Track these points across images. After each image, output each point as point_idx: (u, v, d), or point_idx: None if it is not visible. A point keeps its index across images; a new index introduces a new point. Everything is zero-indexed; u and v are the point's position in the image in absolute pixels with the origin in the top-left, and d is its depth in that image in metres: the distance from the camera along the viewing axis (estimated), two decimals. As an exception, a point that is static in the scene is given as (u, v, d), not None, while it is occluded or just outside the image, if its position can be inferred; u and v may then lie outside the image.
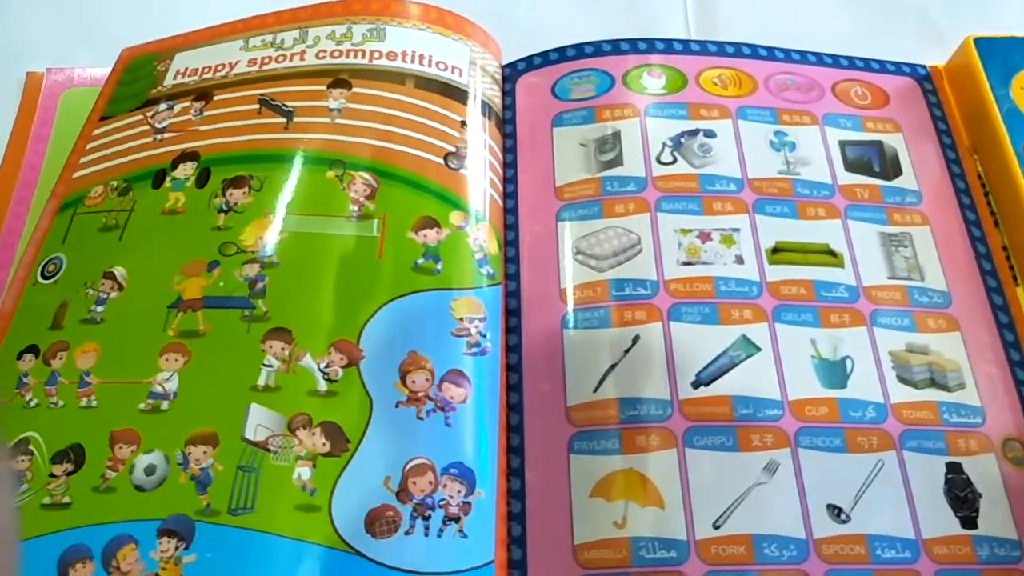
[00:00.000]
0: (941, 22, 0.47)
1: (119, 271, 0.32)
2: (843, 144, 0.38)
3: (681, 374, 0.32)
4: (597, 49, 0.40)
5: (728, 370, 0.32)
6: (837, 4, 0.48)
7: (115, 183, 0.35)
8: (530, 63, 0.40)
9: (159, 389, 0.30)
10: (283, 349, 0.30)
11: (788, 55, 0.41)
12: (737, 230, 0.35)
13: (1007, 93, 0.38)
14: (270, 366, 0.30)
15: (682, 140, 0.37)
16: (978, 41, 0.39)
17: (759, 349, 0.33)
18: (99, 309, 0.32)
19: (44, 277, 0.33)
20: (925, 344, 0.34)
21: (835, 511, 0.30)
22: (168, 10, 0.45)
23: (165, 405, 0.29)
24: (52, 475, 0.29)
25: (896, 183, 0.38)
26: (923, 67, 0.42)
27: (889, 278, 0.35)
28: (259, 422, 0.29)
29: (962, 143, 0.39)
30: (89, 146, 0.37)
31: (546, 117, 0.38)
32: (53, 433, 0.29)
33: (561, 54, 0.40)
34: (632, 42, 0.40)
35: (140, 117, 0.37)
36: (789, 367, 0.32)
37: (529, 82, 0.40)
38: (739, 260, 0.34)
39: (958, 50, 0.40)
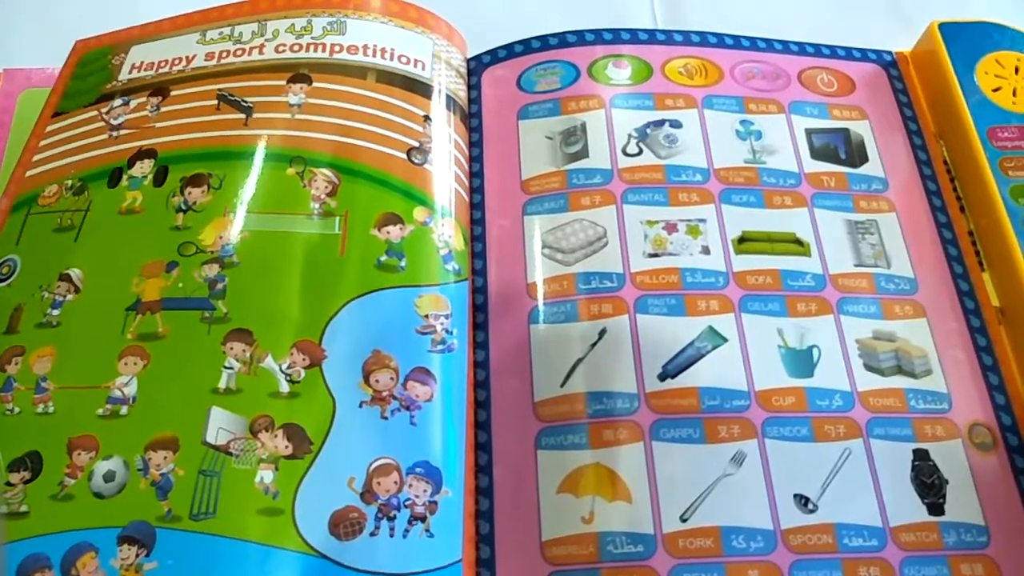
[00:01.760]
0: (909, 8, 0.47)
1: (75, 273, 0.32)
2: (809, 132, 0.38)
3: (648, 367, 0.32)
4: (562, 40, 0.39)
5: (695, 361, 0.32)
6: None
7: (70, 182, 0.34)
8: (495, 56, 0.40)
9: (118, 394, 0.29)
10: (244, 351, 0.30)
11: (754, 43, 0.40)
12: (703, 220, 0.35)
13: (972, 78, 0.38)
14: (231, 368, 0.29)
15: (648, 131, 0.37)
16: (943, 26, 0.39)
17: (726, 340, 0.32)
18: (55, 312, 0.31)
19: None
20: (892, 331, 0.34)
21: (802, 501, 0.30)
22: (127, 7, 0.44)
23: (124, 410, 0.29)
24: (9, 484, 0.28)
25: (862, 170, 0.38)
26: (889, 53, 0.42)
27: (856, 266, 0.35)
28: (220, 425, 0.28)
29: (928, 129, 0.39)
30: (42, 143, 0.36)
31: (512, 110, 0.38)
32: (9, 441, 0.29)
33: (526, 46, 0.40)
34: (597, 32, 0.39)
35: (95, 113, 0.36)
36: (756, 357, 0.32)
37: (495, 75, 0.39)
38: (705, 251, 0.34)
39: (923, 36, 0.40)
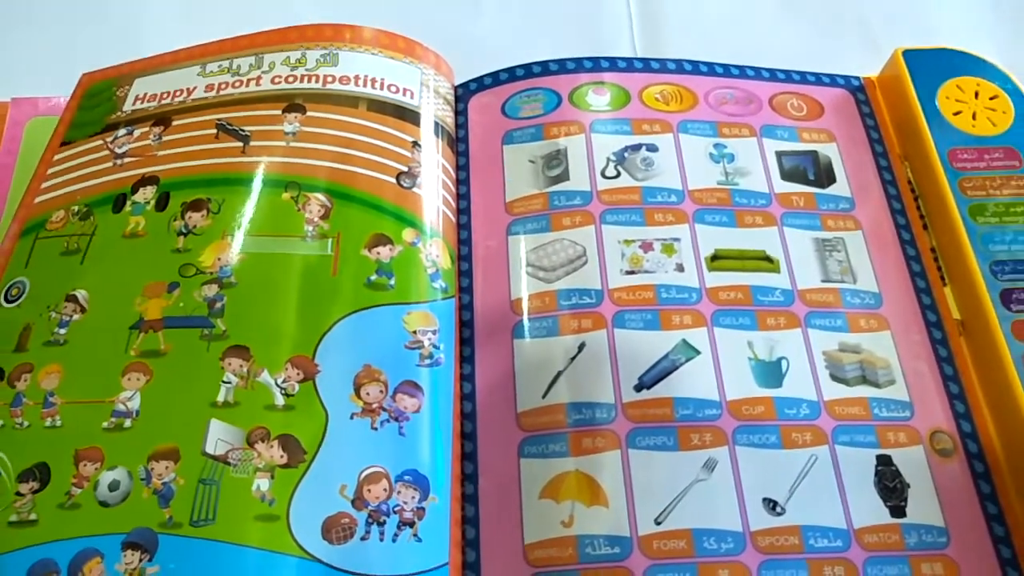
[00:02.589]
0: (880, 33, 0.49)
1: (81, 294, 0.34)
2: (780, 154, 0.40)
3: (625, 378, 0.33)
4: (544, 68, 0.41)
5: (669, 373, 0.34)
6: (780, 18, 0.50)
7: (76, 207, 0.36)
8: (481, 83, 0.42)
9: (122, 407, 0.31)
10: (241, 366, 0.31)
11: (727, 70, 0.42)
12: (678, 239, 0.37)
13: (933, 102, 0.40)
14: (229, 383, 0.31)
15: (625, 155, 0.39)
16: (906, 53, 0.41)
17: (699, 352, 0.34)
18: (62, 331, 0.33)
19: (8, 301, 0.34)
20: (857, 343, 0.35)
21: (770, 504, 0.31)
22: (131, 40, 0.46)
23: (128, 423, 0.31)
24: (18, 493, 0.30)
25: (830, 190, 0.39)
26: (857, 79, 0.44)
27: (823, 281, 0.37)
28: (219, 437, 0.30)
29: (893, 151, 0.41)
30: (50, 171, 0.38)
31: (497, 135, 0.40)
32: (19, 453, 0.30)
33: (511, 74, 0.42)
34: (578, 61, 0.41)
35: (100, 142, 0.38)
36: (727, 369, 0.34)
37: (481, 102, 0.41)
38: (679, 268, 0.36)
39: (889, 62, 0.42)
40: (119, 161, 0.37)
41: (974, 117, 0.39)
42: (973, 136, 0.39)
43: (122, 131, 0.38)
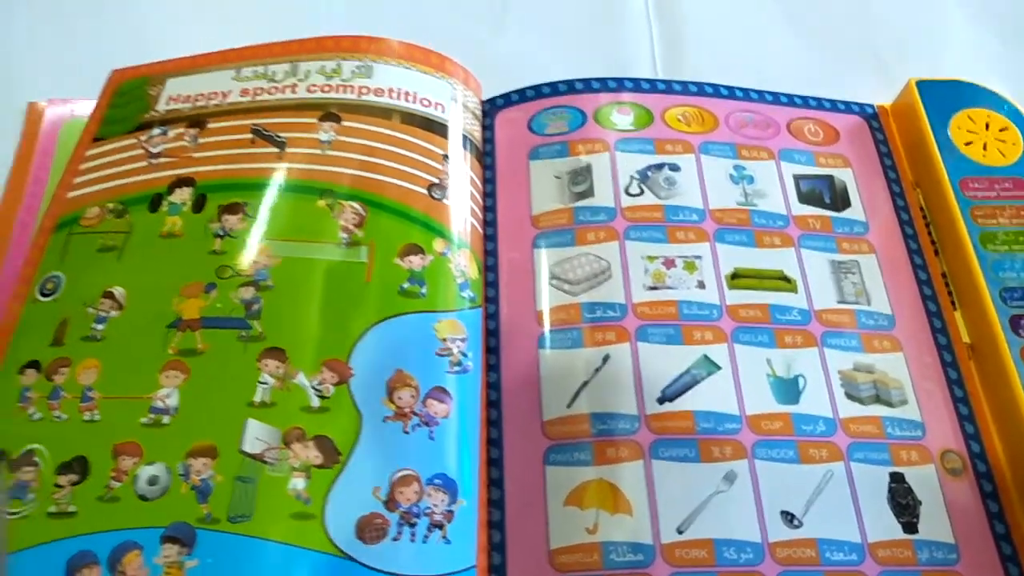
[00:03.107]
0: (891, 63, 0.50)
1: (118, 291, 0.34)
2: (797, 178, 0.41)
3: (648, 391, 0.34)
4: (570, 87, 0.42)
5: (691, 387, 0.35)
6: (796, 45, 0.51)
7: (111, 205, 0.37)
8: (508, 99, 0.43)
9: (160, 404, 0.31)
10: (278, 368, 0.32)
11: (747, 94, 0.44)
12: (699, 257, 0.38)
13: (946, 132, 0.41)
14: (266, 383, 0.32)
15: (649, 173, 0.40)
16: (920, 84, 0.43)
17: (719, 368, 0.35)
18: (99, 327, 0.33)
19: (43, 295, 0.35)
20: (871, 363, 0.36)
21: (788, 517, 0.32)
22: (163, 41, 0.46)
23: (166, 419, 0.31)
24: (57, 485, 0.30)
25: (845, 214, 0.41)
26: (871, 106, 0.45)
27: (838, 302, 0.38)
28: (256, 436, 0.31)
29: (906, 178, 0.42)
30: (83, 167, 0.38)
31: (523, 150, 0.41)
32: (57, 445, 0.31)
33: (537, 91, 0.43)
34: (603, 81, 0.43)
35: (134, 140, 0.39)
36: (747, 384, 0.35)
37: (507, 117, 0.42)
38: (701, 285, 0.37)
39: (902, 91, 0.44)
40: (154, 160, 0.38)
41: (985, 148, 0.41)
42: (984, 166, 0.40)
43: (156, 130, 0.39)
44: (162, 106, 0.40)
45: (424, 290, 0.35)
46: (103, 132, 0.40)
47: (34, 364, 0.33)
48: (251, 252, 0.35)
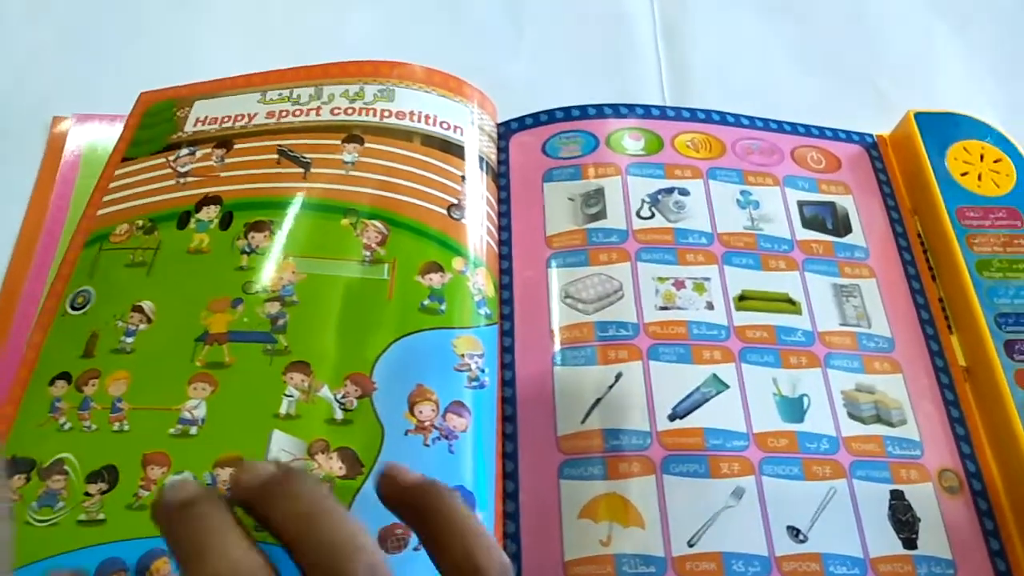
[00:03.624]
0: (888, 92, 0.52)
1: (147, 305, 0.35)
2: (801, 204, 0.43)
3: (659, 408, 0.35)
4: (583, 112, 0.44)
5: (700, 405, 0.36)
6: (796, 74, 0.53)
7: (140, 222, 0.38)
8: (522, 123, 0.44)
9: (188, 415, 0.32)
10: (303, 381, 0.33)
11: (752, 122, 0.45)
12: (708, 279, 0.39)
13: (942, 162, 0.43)
14: (291, 396, 0.33)
15: (659, 197, 0.41)
16: (918, 116, 0.44)
17: (727, 386, 0.36)
18: (129, 340, 0.34)
19: (73, 308, 0.36)
20: (872, 384, 0.38)
21: (794, 532, 0.34)
22: (188, 65, 0.48)
23: (194, 430, 0.32)
24: (87, 493, 0.31)
25: (847, 240, 0.42)
26: (871, 136, 0.47)
27: (840, 325, 0.39)
28: (281, 447, 0.32)
29: (904, 205, 0.44)
30: (112, 185, 0.40)
31: (537, 173, 0.42)
32: (87, 454, 0.32)
33: (551, 116, 0.44)
34: (614, 107, 0.44)
35: (162, 160, 0.40)
36: (754, 403, 0.36)
37: (521, 140, 0.44)
38: (709, 306, 0.39)
39: (901, 122, 0.45)
40: (182, 180, 0.39)
41: (980, 178, 0.42)
42: (979, 196, 0.42)
43: (184, 151, 0.40)
44: (190, 127, 0.41)
45: (443, 307, 0.36)
46: (132, 152, 0.41)
47: (65, 376, 0.34)
48: (277, 268, 0.36)
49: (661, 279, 0.39)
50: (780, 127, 0.46)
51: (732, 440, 0.35)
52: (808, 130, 0.46)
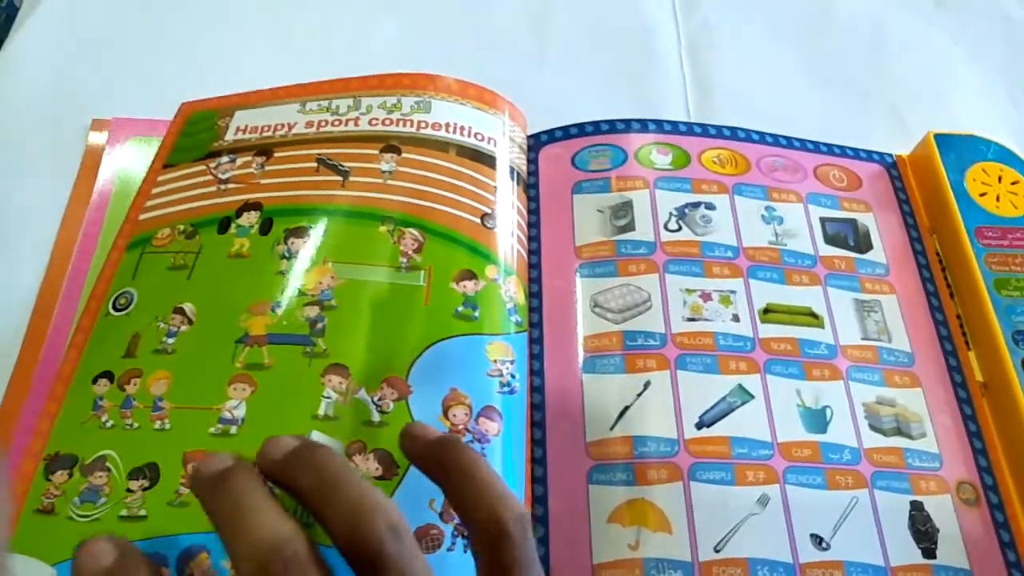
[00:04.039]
0: (904, 113, 0.53)
1: (188, 307, 0.36)
2: (823, 220, 0.44)
3: (686, 416, 0.36)
4: (612, 127, 0.45)
5: (726, 414, 0.37)
6: (816, 94, 0.54)
7: (182, 226, 0.39)
8: (552, 136, 0.45)
9: (228, 415, 0.33)
10: (340, 383, 0.34)
11: (777, 140, 0.46)
12: (734, 292, 0.40)
13: (962, 183, 0.44)
14: (329, 398, 0.34)
15: (686, 211, 0.42)
16: (938, 137, 0.45)
17: (753, 397, 0.37)
18: (170, 341, 0.35)
19: (116, 309, 0.37)
20: (892, 397, 0.39)
21: (817, 540, 0.34)
22: (225, 76, 0.49)
23: (234, 430, 0.33)
24: (129, 490, 0.32)
25: (868, 256, 0.43)
26: (891, 156, 0.48)
27: (862, 339, 0.40)
28: None
29: (923, 223, 0.45)
30: (155, 191, 0.41)
31: (567, 185, 0.43)
32: (129, 452, 0.33)
33: (580, 129, 0.45)
34: (642, 122, 0.45)
35: (203, 168, 0.41)
36: (778, 413, 0.37)
37: (551, 152, 0.45)
38: (735, 318, 0.39)
39: (920, 143, 0.46)
40: (223, 186, 0.40)
41: (998, 199, 0.43)
42: (997, 216, 0.43)
43: (225, 158, 0.41)
44: (230, 136, 0.42)
45: (476, 313, 0.37)
46: (173, 159, 0.42)
47: (107, 374, 0.35)
48: (316, 273, 0.37)
49: (689, 291, 0.40)
50: (803, 145, 0.47)
51: (757, 449, 0.36)
52: (831, 149, 0.47)
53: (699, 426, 0.36)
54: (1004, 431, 0.38)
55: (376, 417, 0.34)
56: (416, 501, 0.32)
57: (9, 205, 0.43)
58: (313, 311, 0.36)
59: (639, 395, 0.37)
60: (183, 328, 0.36)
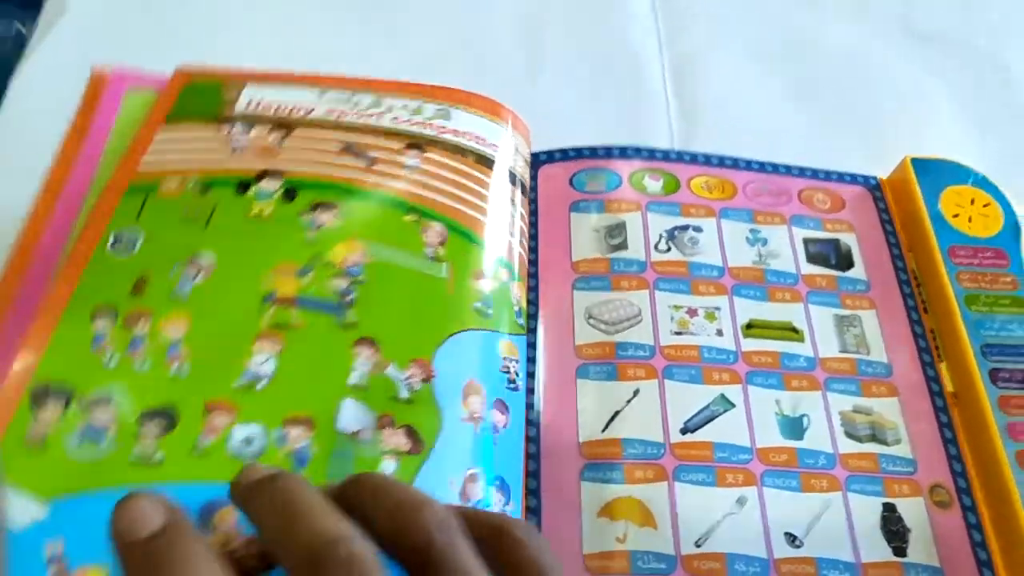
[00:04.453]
0: (882, 138, 0.55)
1: (207, 257, 0.37)
2: (806, 241, 0.47)
3: (672, 422, 0.39)
4: (608, 153, 0.48)
5: (709, 421, 0.40)
6: (797, 119, 0.56)
7: (193, 181, 0.39)
8: (551, 156, 0.48)
9: (255, 369, 0.34)
10: (370, 357, 0.36)
11: (763, 166, 0.49)
12: (718, 309, 0.43)
13: (936, 205, 0.47)
14: (359, 369, 0.35)
15: (676, 233, 0.46)
16: (914, 161, 0.48)
17: (734, 405, 0.40)
18: (186, 288, 0.36)
19: (115, 248, 0.37)
20: (869, 406, 0.41)
21: (791, 538, 0.37)
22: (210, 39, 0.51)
23: (261, 385, 0.34)
24: (140, 432, 0.32)
25: (849, 274, 0.46)
26: (874, 178, 0.50)
27: (840, 351, 0.43)
28: (352, 415, 0.33)
29: (904, 242, 0.48)
30: (156, 145, 0.41)
31: (564, 203, 0.46)
32: (140, 393, 0.33)
33: (578, 152, 0.48)
34: (637, 149, 0.48)
35: (213, 132, 0.42)
36: (757, 421, 0.40)
37: (549, 172, 0.48)
38: (719, 333, 0.42)
39: (898, 166, 0.49)
40: (237, 152, 0.41)
41: (970, 220, 0.46)
42: (969, 236, 0.46)
43: (239, 127, 0.42)
44: (241, 107, 0.43)
45: (491, 311, 0.39)
46: (175, 116, 0.42)
47: (109, 312, 0.35)
48: (344, 248, 0.38)
49: (676, 307, 0.43)
50: (788, 170, 0.50)
51: (737, 454, 0.39)
52: (815, 173, 0.50)
53: (683, 431, 0.39)
54: (972, 439, 0.41)
55: (405, 394, 0.35)
56: (439, 480, 0.33)
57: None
58: (342, 283, 0.37)
59: (629, 401, 0.40)
60: (200, 277, 0.36)
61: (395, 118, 0.44)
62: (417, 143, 0.43)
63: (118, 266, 0.37)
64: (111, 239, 0.37)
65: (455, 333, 0.37)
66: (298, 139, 0.43)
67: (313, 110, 0.44)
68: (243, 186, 0.40)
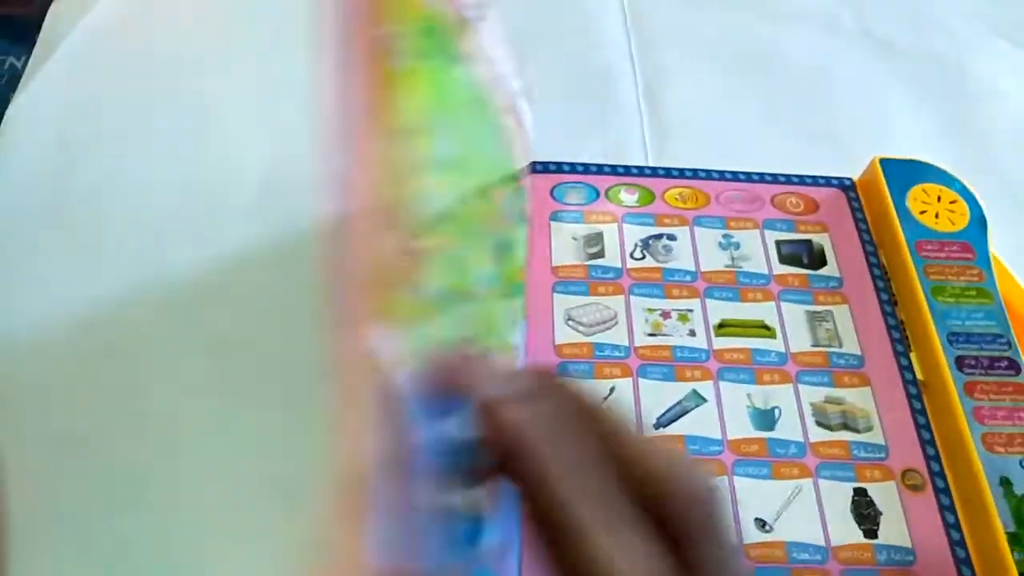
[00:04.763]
0: (848, 142, 0.56)
1: None
2: (779, 243, 0.49)
3: (646, 418, 0.42)
4: (587, 169, 0.51)
5: (681, 416, 0.42)
6: (768, 129, 0.57)
7: None
8: (534, 167, 0.51)
9: None
10: None
11: (736, 176, 0.52)
12: (691, 311, 0.46)
13: (904, 202, 0.48)
14: None
15: (650, 242, 0.48)
16: (883, 161, 0.50)
17: (706, 400, 0.42)
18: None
19: None
20: (841, 396, 0.43)
21: (761, 523, 0.39)
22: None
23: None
24: None
25: (821, 272, 0.48)
26: (849, 179, 0.52)
27: (812, 346, 0.45)
28: None
29: (877, 238, 0.49)
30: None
31: (546, 211, 0.49)
32: None
33: (559, 167, 0.51)
34: (613, 167, 0.51)
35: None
36: (729, 414, 0.42)
37: (532, 182, 0.50)
38: (692, 333, 0.45)
39: (868, 167, 0.51)
40: None
41: (937, 216, 0.48)
42: (936, 231, 0.47)
43: None
44: None
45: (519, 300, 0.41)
46: None
47: None
48: None
49: (650, 310, 0.46)
50: (761, 178, 0.52)
51: (709, 446, 0.41)
52: (788, 179, 0.52)
53: (656, 427, 0.41)
54: (940, 424, 0.42)
55: None
56: None
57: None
58: None
59: (604, 398, 0.42)
60: None
61: None
62: None
63: None
64: None
65: None
66: None
67: None
68: None
